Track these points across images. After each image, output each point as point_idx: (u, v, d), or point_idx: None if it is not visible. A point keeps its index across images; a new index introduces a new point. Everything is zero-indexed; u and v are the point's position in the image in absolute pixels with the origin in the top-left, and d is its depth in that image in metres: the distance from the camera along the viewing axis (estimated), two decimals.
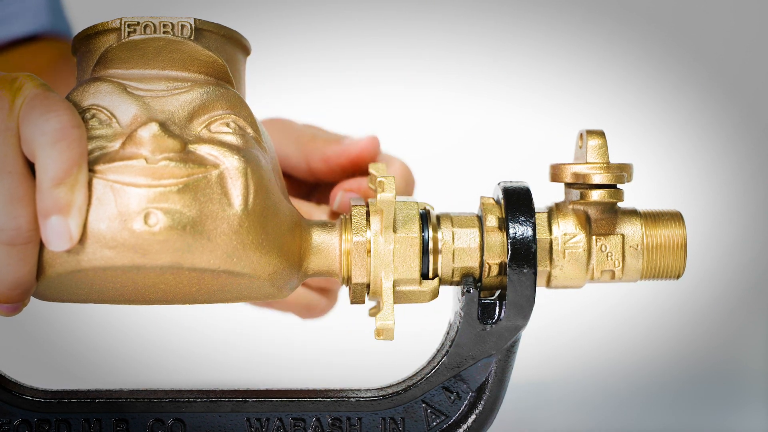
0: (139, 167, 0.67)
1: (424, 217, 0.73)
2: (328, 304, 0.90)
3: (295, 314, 0.90)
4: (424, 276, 0.73)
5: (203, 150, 0.69)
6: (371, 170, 0.74)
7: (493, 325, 0.73)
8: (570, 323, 1.26)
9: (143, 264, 0.67)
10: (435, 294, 0.74)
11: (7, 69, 1.01)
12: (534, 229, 0.72)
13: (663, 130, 1.45)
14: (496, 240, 0.73)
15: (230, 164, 0.69)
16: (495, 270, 0.73)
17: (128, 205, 0.67)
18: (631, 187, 0.75)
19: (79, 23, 1.10)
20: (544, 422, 1.06)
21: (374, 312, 0.75)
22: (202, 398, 0.73)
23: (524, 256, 0.72)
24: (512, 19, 1.49)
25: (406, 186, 0.86)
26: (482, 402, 0.74)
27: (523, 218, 0.73)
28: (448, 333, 0.75)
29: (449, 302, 0.78)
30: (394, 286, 0.72)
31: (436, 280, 0.74)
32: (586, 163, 0.73)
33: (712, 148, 1.44)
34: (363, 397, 0.74)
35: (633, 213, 0.75)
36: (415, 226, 0.73)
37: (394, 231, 0.72)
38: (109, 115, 0.70)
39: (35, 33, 1.02)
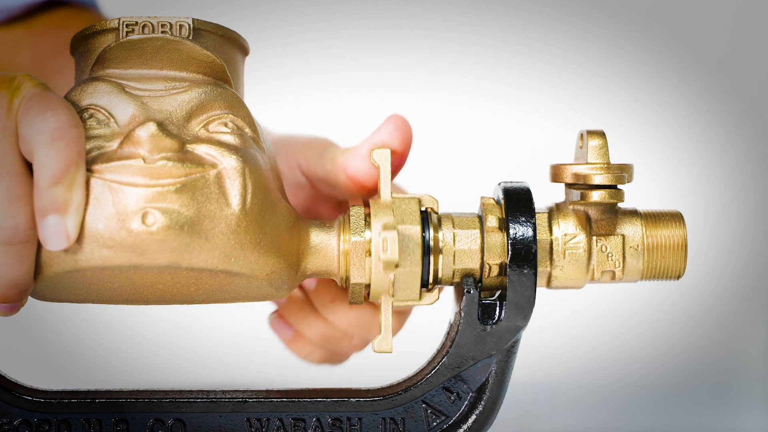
0: (136, 167, 0.67)
1: (425, 218, 0.73)
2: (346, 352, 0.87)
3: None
4: (425, 278, 0.73)
5: (201, 150, 0.69)
6: (372, 152, 0.73)
7: (494, 326, 0.73)
8: (570, 323, 1.26)
9: (141, 264, 0.67)
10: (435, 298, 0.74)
11: (33, 34, 1.01)
12: (534, 230, 0.72)
13: (663, 130, 1.45)
14: (497, 240, 0.73)
15: (228, 164, 0.69)
16: (495, 270, 0.73)
17: (126, 205, 0.67)
18: (631, 187, 0.75)
19: None
20: (544, 422, 1.06)
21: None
22: (202, 398, 0.73)
23: (524, 256, 0.72)
24: (512, 19, 1.49)
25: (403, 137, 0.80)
26: (482, 402, 0.74)
27: (523, 219, 0.73)
28: (448, 333, 0.75)
29: (449, 302, 0.78)
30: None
31: (436, 291, 0.74)
32: (587, 163, 0.73)
33: (712, 148, 1.44)
34: (363, 397, 0.74)
35: (633, 213, 0.75)
36: (416, 226, 0.72)
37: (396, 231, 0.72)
38: (107, 114, 0.70)
39: None
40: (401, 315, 0.82)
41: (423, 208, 0.74)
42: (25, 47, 1.00)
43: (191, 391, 0.74)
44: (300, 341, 0.84)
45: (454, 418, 0.74)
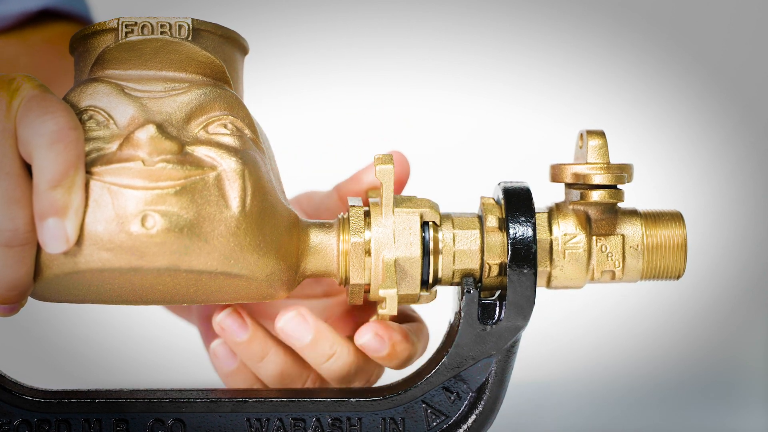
0: (136, 169, 0.67)
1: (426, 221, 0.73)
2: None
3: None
4: (425, 278, 0.73)
5: (200, 152, 0.69)
6: (374, 157, 0.73)
7: (493, 326, 0.73)
8: (570, 323, 1.26)
9: (140, 266, 0.67)
10: (433, 296, 0.74)
11: (25, 47, 1.00)
12: (534, 230, 0.72)
13: (663, 130, 1.45)
14: (497, 240, 0.73)
15: (228, 166, 0.69)
16: (495, 270, 0.73)
17: (125, 208, 0.67)
18: (631, 187, 0.75)
19: None
20: (544, 422, 1.06)
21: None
22: (202, 398, 0.73)
23: (524, 256, 0.72)
24: (512, 19, 1.49)
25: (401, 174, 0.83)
26: (482, 402, 0.74)
27: (523, 218, 0.73)
28: (448, 333, 0.75)
29: (449, 302, 0.78)
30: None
31: (434, 291, 0.74)
32: (587, 163, 0.73)
33: (712, 148, 1.44)
34: (363, 397, 0.74)
35: (633, 213, 0.75)
36: (416, 227, 0.72)
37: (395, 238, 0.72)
38: (106, 116, 0.70)
39: (47, 7, 1.01)
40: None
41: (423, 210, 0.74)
42: (22, 64, 0.99)
43: (191, 391, 0.74)
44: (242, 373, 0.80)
45: (454, 418, 0.74)
